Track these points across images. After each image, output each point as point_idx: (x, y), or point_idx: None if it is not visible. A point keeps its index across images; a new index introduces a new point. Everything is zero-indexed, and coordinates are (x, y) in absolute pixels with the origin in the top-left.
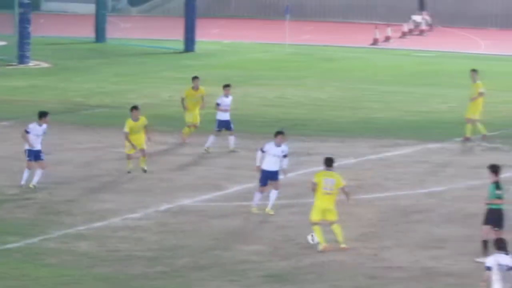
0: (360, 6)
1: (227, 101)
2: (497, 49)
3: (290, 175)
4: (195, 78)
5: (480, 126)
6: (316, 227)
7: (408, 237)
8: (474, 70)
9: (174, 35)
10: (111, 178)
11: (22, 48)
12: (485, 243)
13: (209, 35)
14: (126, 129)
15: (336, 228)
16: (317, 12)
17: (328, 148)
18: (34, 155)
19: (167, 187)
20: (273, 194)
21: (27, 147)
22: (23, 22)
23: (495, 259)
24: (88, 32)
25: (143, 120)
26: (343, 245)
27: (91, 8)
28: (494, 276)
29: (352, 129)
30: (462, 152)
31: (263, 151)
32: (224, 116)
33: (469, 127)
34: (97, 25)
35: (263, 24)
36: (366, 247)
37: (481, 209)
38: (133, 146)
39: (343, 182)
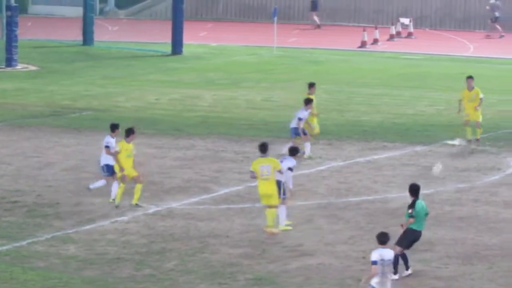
0: (348, 9)
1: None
2: (485, 51)
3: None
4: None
5: (469, 130)
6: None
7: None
8: (470, 77)
9: (162, 38)
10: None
11: (10, 51)
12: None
13: (197, 38)
14: (117, 148)
15: (271, 213)
16: (304, 14)
17: (316, 150)
18: (112, 169)
19: (155, 190)
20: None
21: (105, 162)
22: (11, 25)
23: (379, 254)
24: (75, 35)
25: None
26: (270, 229)
27: (78, 11)
28: (378, 270)
29: (339, 131)
30: (449, 155)
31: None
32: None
33: (478, 131)
34: (84, 28)
35: (250, 26)
36: (354, 250)
37: (470, 212)
38: (121, 169)
39: (279, 166)
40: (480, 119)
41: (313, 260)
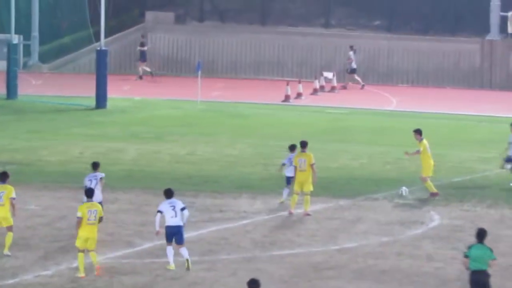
0: (271, 63)
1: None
2: (408, 105)
3: (202, 231)
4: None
5: (430, 185)
6: (80, 254)
7: None
8: (416, 130)
9: (86, 91)
10: (22, 235)
11: None
12: None
13: (121, 91)
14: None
15: (93, 256)
16: (228, 68)
17: (240, 204)
18: None
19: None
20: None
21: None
22: None
23: None
24: None
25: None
26: (97, 265)
27: (1, 64)
28: None
29: (264, 185)
30: (373, 208)
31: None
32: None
33: (429, 183)
34: (8, 82)
35: (174, 80)
36: None
37: (393, 265)
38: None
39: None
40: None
41: None
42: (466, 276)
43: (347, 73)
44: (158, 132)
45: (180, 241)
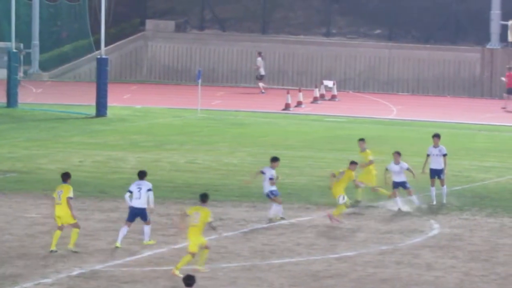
0: (272, 71)
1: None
2: (409, 114)
3: None
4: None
5: (383, 191)
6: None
7: None
8: (361, 140)
9: (86, 100)
10: (22, 244)
11: None
12: None
13: (121, 100)
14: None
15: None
16: (228, 77)
17: (240, 213)
18: None
19: (79, 252)
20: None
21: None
22: None
23: None
24: None
25: None
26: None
27: (2, 73)
28: None
29: (263, 194)
30: (372, 217)
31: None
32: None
33: (359, 191)
34: (8, 90)
35: (175, 89)
36: None
37: (393, 274)
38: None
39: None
40: (364, 181)
41: None
42: (465, 284)
43: (257, 80)
44: (158, 140)
45: (144, 219)
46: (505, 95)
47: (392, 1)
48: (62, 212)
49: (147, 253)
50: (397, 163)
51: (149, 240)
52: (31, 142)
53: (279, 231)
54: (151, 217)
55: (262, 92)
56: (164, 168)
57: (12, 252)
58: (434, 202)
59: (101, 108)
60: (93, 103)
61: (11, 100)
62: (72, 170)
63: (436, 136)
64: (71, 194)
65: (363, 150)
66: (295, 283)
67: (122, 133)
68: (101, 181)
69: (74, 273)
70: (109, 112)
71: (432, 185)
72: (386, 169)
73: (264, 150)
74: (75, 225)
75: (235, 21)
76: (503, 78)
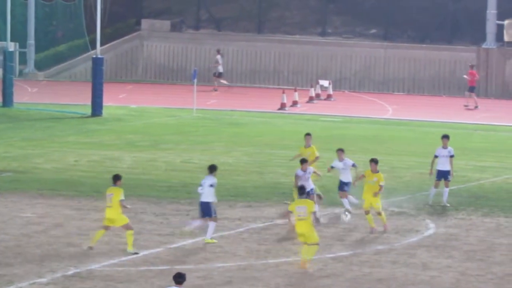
0: (267, 71)
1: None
2: (404, 114)
3: (197, 239)
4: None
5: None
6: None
7: None
8: (308, 134)
9: (82, 99)
10: (18, 243)
11: None
12: None
13: (117, 99)
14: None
15: (308, 251)
16: (224, 76)
17: (235, 212)
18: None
19: (75, 251)
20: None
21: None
22: None
23: None
24: None
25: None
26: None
27: None
28: None
29: (259, 193)
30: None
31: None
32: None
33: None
34: (4, 90)
35: (170, 88)
36: None
37: (388, 274)
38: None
39: (313, 208)
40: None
41: None
42: (461, 284)
43: (214, 77)
44: (154, 140)
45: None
46: (466, 93)
47: (387, 1)
48: (114, 214)
49: (142, 253)
50: (341, 160)
51: (211, 238)
52: (26, 142)
53: (274, 230)
54: (144, 216)
55: (215, 90)
56: (159, 168)
57: (8, 251)
58: (430, 201)
59: (96, 107)
60: (89, 102)
61: (7, 99)
62: (67, 169)
63: (445, 137)
64: (122, 197)
65: (308, 145)
66: (291, 282)
67: (118, 133)
68: (97, 180)
69: (70, 272)
70: (104, 111)
71: (436, 186)
72: (331, 167)
73: (259, 150)
74: (128, 226)
75: (230, 20)
76: (465, 76)
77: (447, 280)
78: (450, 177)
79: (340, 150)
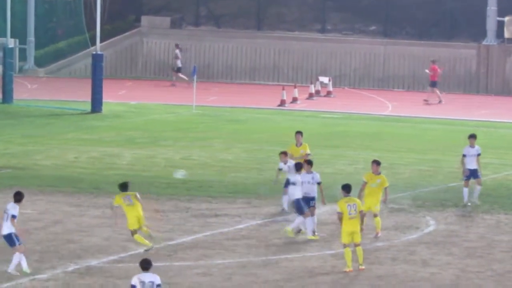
0: (267, 67)
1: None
2: (404, 110)
3: (197, 236)
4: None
5: None
6: (346, 250)
7: None
8: (299, 132)
9: (81, 96)
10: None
11: None
12: None
13: (116, 96)
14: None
15: (360, 251)
16: (223, 73)
17: (235, 209)
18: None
19: (74, 248)
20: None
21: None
22: None
23: (138, 278)
24: None
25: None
26: (361, 267)
27: None
28: None
29: (258, 190)
30: (368, 213)
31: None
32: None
33: None
34: (4, 86)
35: (170, 85)
36: None
37: (388, 270)
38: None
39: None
40: None
41: None
42: (461, 281)
43: (173, 71)
44: (153, 136)
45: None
46: (429, 88)
47: None
48: (136, 212)
49: (141, 250)
50: (285, 162)
51: (313, 235)
52: (26, 138)
53: (274, 227)
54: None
55: (173, 85)
56: (159, 164)
57: (7, 248)
58: (465, 201)
59: (96, 104)
60: (88, 99)
61: (6, 96)
62: (67, 166)
63: (472, 136)
64: (139, 197)
65: (299, 144)
66: (291, 279)
67: (117, 129)
68: (96, 177)
69: (70, 269)
70: (104, 108)
71: (466, 186)
72: (279, 169)
73: (259, 146)
74: (145, 226)
75: (230, 17)
76: (427, 71)
77: (447, 277)
78: (480, 175)
79: (283, 153)
